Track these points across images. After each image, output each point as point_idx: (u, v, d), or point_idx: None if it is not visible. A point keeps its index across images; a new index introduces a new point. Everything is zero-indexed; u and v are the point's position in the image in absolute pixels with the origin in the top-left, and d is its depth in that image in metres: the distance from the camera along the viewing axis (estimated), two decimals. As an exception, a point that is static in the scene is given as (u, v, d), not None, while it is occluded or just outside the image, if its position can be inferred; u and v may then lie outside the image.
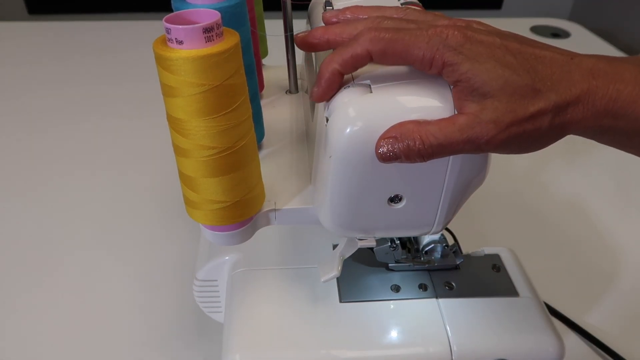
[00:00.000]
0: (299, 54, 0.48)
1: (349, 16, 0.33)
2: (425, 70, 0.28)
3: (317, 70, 0.37)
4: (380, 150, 0.28)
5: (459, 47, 0.27)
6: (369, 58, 0.28)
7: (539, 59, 0.27)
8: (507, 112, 0.26)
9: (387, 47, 0.27)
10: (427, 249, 0.44)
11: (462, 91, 0.27)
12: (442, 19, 0.31)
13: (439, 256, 0.44)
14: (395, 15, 0.31)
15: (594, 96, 0.27)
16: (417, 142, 0.27)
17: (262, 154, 0.41)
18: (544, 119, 0.27)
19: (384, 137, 0.28)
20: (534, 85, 0.27)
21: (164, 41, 0.27)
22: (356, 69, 0.29)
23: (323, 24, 0.34)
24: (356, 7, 0.33)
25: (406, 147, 0.27)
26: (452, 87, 0.28)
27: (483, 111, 0.27)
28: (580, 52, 0.29)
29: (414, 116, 0.28)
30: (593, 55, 0.28)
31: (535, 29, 1.20)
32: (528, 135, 0.27)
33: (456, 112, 0.28)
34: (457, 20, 0.29)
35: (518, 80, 0.26)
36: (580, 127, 0.28)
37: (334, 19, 0.33)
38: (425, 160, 0.28)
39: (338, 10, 0.34)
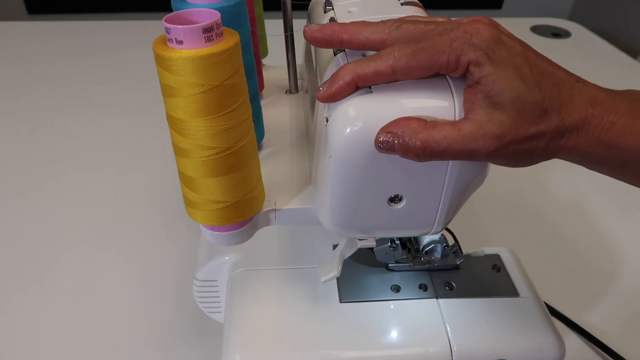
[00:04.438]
0: (299, 54, 0.48)
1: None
2: (451, 73, 0.28)
3: (318, 69, 0.37)
4: (380, 140, 0.28)
5: (485, 46, 0.26)
6: (392, 76, 0.28)
7: (551, 76, 0.27)
8: (510, 128, 0.27)
9: (411, 61, 0.27)
10: (427, 249, 0.44)
11: (476, 94, 0.27)
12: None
13: (439, 256, 0.44)
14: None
15: (589, 125, 0.27)
16: (417, 144, 0.27)
17: (262, 154, 0.41)
18: (541, 141, 0.27)
19: (386, 130, 0.28)
20: (543, 104, 0.27)
21: (164, 41, 0.27)
22: (372, 84, 0.29)
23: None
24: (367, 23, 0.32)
25: (405, 146, 0.27)
26: (467, 85, 0.28)
27: (489, 123, 0.27)
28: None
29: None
30: (594, 85, 0.29)
31: (535, 29, 1.20)
32: (522, 153, 0.28)
33: (463, 115, 0.28)
34: (481, 17, 0.29)
35: (529, 96, 0.26)
36: (571, 153, 0.28)
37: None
38: (420, 161, 0.28)
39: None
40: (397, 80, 0.29)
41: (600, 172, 0.30)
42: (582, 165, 0.30)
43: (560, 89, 0.27)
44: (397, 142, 0.27)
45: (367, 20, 0.31)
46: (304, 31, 0.32)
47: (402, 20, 0.30)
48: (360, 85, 0.29)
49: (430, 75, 0.28)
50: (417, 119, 0.28)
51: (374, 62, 0.28)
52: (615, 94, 0.29)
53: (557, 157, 0.29)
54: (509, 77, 0.26)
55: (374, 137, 0.28)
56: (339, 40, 0.30)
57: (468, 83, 0.28)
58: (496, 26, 0.27)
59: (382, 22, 0.30)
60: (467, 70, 0.27)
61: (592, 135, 0.27)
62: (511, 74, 0.26)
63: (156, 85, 0.29)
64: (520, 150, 0.27)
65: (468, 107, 0.28)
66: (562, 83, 0.27)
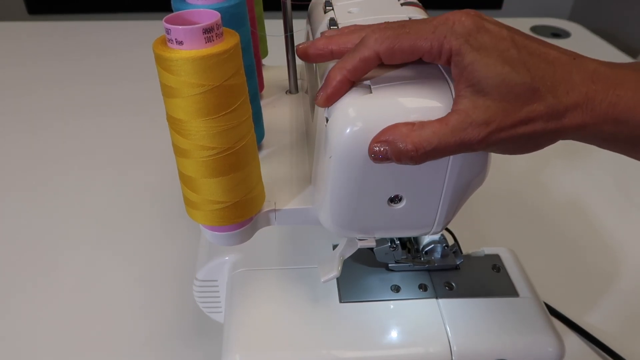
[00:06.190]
0: (299, 54, 0.48)
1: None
2: (435, 61, 0.28)
3: (317, 70, 0.37)
4: (373, 150, 0.28)
5: (466, 35, 0.26)
6: (377, 60, 0.28)
7: (542, 56, 0.27)
8: (498, 112, 0.26)
9: (394, 44, 0.27)
10: (427, 249, 0.44)
11: (461, 83, 0.27)
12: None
13: (439, 256, 0.44)
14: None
15: (593, 101, 0.26)
16: (409, 147, 0.27)
17: (262, 154, 0.41)
18: (537, 123, 0.27)
19: (377, 140, 0.28)
20: (533, 84, 0.26)
21: (164, 41, 0.27)
22: (365, 73, 0.29)
23: (322, 29, 0.34)
24: (356, 26, 0.33)
25: (398, 151, 0.27)
26: (453, 80, 0.28)
27: (474, 110, 0.26)
28: (581, 52, 0.28)
29: (413, 117, 0.28)
30: (595, 60, 0.28)
31: (535, 29, 1.20)
32: (520, 137, 0.27)
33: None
34: (467, 9, 0.29)
35: (516, 78, 0.26)
36: (580, 132, 0.27)
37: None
38: (417, 164, 0.28)
39: (337, 29, 0.34)
40: (382, 63, 0.28)
41: (614, 151, 0.30)
42: (594, 144, 0.29)
43: (555, 67, 0.27)
44: (389, 149, 0.27)
45: (365, 20, 0.31)
46: (296, 50, 0.32)
47: (387, 23, 0.30)
48: (353, 79, 0.29)
49: (413, 60, 0.28)
50: (405, 124, 0.28)
51: (358, 52, 0.28)
52: (620, 67, 0.28)
53: (566, 139, 0.28)
54: (493, 63, 0.26)
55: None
56: (329, 52, 0.31)
57: (453, 74, 0.28)
58: (480, 15, 0.27)
59: (367, 25, 0.30)
60: (449, 59, 0.27)
61: (599, 111, 0.26)
62: (495, 59, 0.26)
63: (156, 86, 0.29)
64: (516, 135, 0.27)
65: (454, 101, 0.28)
66: (556, 61, 0.27)
